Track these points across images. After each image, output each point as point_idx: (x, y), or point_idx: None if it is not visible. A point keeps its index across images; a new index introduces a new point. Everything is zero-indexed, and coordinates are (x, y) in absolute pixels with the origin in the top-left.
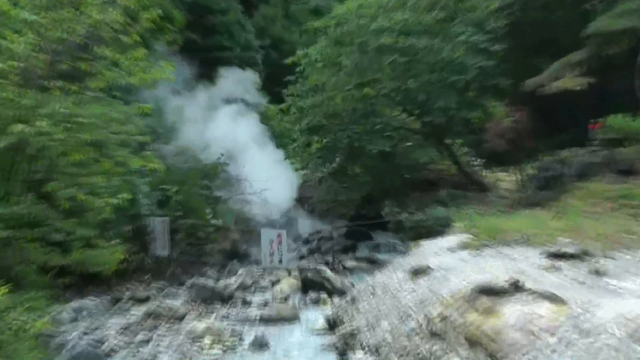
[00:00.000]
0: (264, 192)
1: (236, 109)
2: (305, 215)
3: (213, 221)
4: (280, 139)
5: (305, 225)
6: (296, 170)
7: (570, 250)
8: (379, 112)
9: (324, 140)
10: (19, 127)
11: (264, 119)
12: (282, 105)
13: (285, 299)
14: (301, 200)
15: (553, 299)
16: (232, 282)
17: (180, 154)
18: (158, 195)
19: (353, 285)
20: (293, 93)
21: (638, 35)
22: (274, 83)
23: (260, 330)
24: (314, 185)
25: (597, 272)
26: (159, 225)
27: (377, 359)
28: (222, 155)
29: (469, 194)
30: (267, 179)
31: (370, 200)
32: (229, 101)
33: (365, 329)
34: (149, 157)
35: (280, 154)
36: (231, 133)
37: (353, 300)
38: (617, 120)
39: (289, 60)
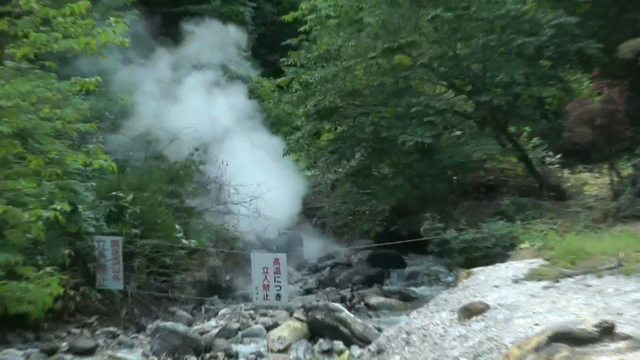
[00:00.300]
0: (256, 202)
1: (215, 83)
2: (313, 233)
3: (184, 242)
4: (277, 127)
5: (314, 247)
6: (300, 170)
7: None
8: (415, 89)
9: (339, 129)
10: None
11: (255, 98)
12: (280, 80)
13: (286, 349)
14: (308, 212)
15: None
16: (212, 326)
17: (138, 148)
18: (108, 206)
19: (380, 331)
20: (295, 62)
21: None
22: (269, 48)
23: None
24: (325, 192)
25: None
26: (109, 247)
27: None
28: (197, 150)
29: (542, 203)
30: (260, 182)
31: (404, 213)
32: (204, 73)
33: None
34: (95, 153)
35: (277, 147)
36: (209, 118)
37: (380, 351)
38: None
39: (289, 17)
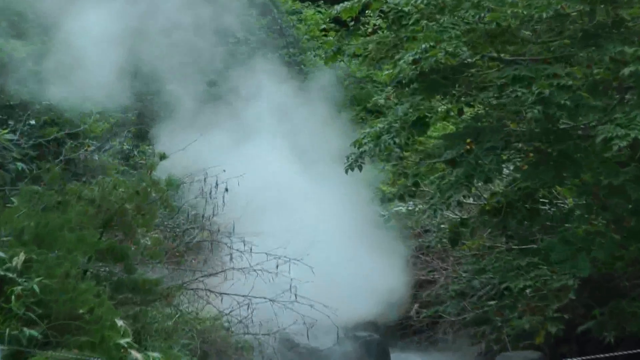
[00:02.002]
0: (289, 268)
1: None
2: (412, 337)
3: (135, 356)
4: (334, 106)
5: None
6: (385, 201)
7: None
8: (633, 27)
9: (467, 113)
10: None
11: (289, 44)
12: (342, 8)
13: None
14: (401, 292)
15: None
16: None
17: (36, 152)
18: None
19: None
20: None
21: None
22: None
23: None
24: (439, 249)
25: None
26: None
27: None
28: (162, 155)
29: None
30: (297, 228)
31: (608, 293)
32: None
33: None
34: None
35: (335, 150)
36: (180, 78)
37: None
38: None
39: None
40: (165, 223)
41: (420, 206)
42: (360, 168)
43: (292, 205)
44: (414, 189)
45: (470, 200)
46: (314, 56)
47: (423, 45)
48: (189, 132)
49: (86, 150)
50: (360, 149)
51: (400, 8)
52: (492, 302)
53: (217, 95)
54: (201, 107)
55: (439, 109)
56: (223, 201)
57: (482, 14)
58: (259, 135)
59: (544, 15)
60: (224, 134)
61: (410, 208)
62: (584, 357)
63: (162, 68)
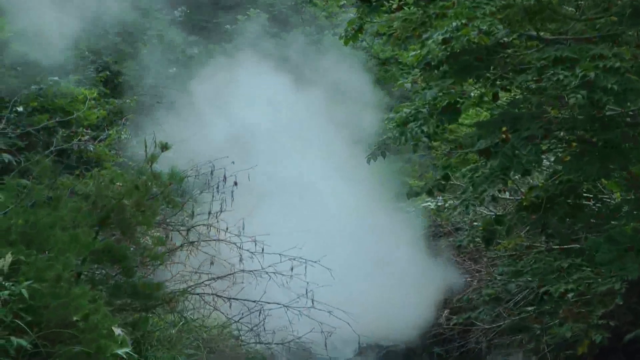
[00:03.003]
0: (305, 271)
1: None
2: (441, 348)
3: None
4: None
5: None
6: (410, 193)
7: None
8: None
9: (504, 98)
10: None
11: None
12: None
13: None
14: (428, 297)
15: None
16: None
17: (25, 142)
18: None
19: None
20: None
21: None
22: None
23: None
24: (471, 248)
25: None
26: None
27: None
28: (164, 146)
29: None
30: (312, 228)
31: None
32: None
33: None
34: None
35: (355, 141)
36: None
37: None
38: None
39: None
40: (168, 220)
41: (451, 202)
42: (384, 155)
43: (308, 201)
44: (443, 182)
45: (507, 195)
46: (333, 35)
47: (454, 23)
48: (193, 120)
49: (80, 139)
50: (384, 136)
51: None
52: (530, 308)
53: (223, 79)
54: (205, 92)
55: (472, 94)
56: (232, 196)
57: None
58: (270, 123)
59: None
60: (230, 122)
61: (439, 204)
62: None
63: (162, 48)
